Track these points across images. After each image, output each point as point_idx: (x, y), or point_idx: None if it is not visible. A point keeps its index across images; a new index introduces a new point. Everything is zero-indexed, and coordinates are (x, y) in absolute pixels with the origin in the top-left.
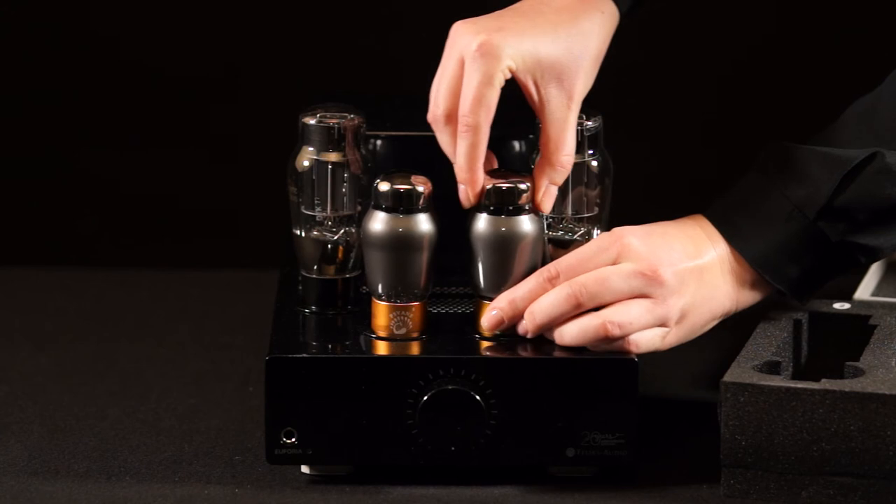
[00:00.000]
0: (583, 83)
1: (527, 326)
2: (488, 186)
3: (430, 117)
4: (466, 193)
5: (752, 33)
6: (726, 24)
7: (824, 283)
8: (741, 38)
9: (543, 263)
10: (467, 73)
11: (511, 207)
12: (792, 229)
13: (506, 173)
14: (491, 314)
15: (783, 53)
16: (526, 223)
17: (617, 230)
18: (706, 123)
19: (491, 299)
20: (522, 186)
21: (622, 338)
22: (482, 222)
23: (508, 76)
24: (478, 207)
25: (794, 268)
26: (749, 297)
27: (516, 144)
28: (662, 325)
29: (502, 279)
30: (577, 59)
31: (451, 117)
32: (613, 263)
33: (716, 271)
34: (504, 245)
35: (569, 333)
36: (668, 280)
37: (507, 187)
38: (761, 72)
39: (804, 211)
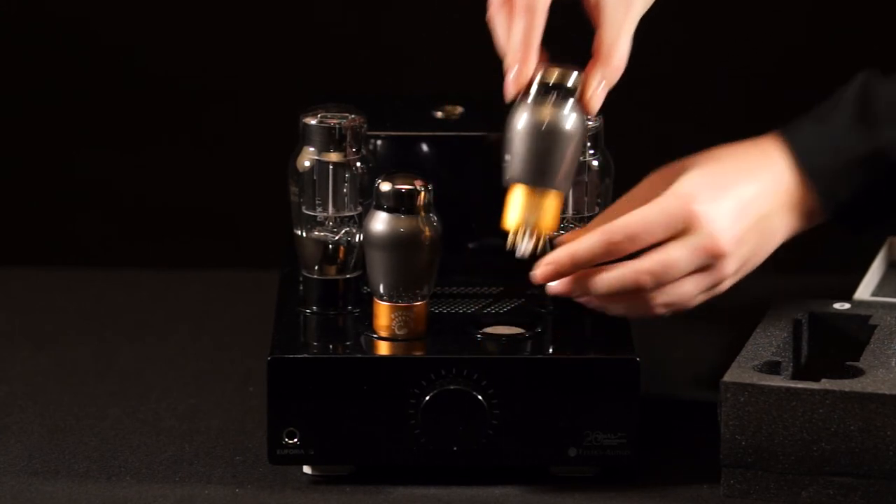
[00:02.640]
0: None
1: (583, 298)
2: (536, 73)
3: (489, 4)
4: (517, 75)
5: (753, 32)
6: (728, 21)
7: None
8: (745, 37)
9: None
10: None
11: (558, 94)
12: (871, 169)
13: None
14: (547, 266)
15: (784, 50)
16: (571, 115)
17: (685, 195)
18: (708, 123)
19: (529, 187)
20: (574, 74)
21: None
22: (527, 109)
23: None
24: (522, 96)
25: (861, 203)
26: (801, 227)
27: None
28: (714, 286)
29: (543, 168)
30: None
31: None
32: (678, 233)
33: (774, 216)
34: (548, 134)
35: (614, 309)
36: (732, 252)
37: (559, 72)
38: (764, 69)
39: (889, 155)
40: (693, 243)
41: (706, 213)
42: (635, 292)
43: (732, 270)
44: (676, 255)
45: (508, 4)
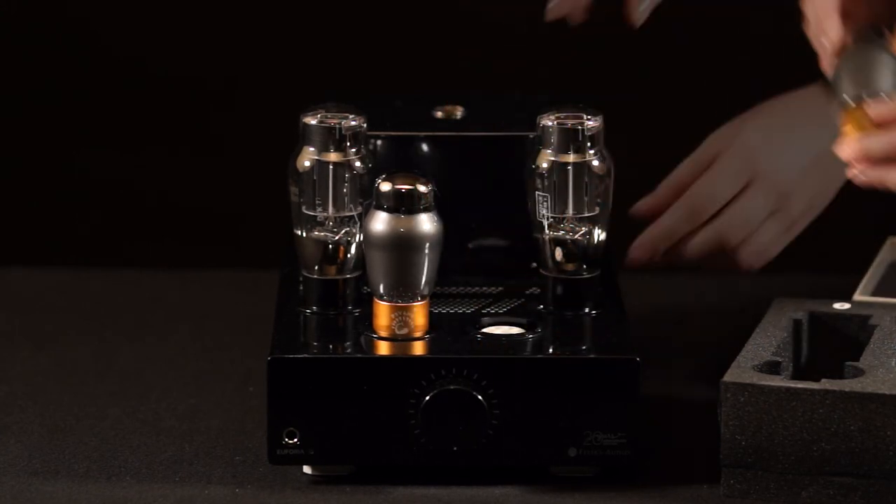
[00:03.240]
0: None
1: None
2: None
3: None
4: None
5: (755, 31)
6: (731, 21)
7: None
8: (747, 36)
9: None
10: None
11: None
12: None
13: None
14: (643, 251)
15: (789, 50)
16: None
17: (746, 151)
18: (709, 122)
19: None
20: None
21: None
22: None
23: None
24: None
25: None
26: None
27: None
28: (790, 228)
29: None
30: None
31: None
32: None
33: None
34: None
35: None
36: (800, 200)
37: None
38: (767, 68)
39: None
40: (762, 201)
41: (773, 169)
42: (716, 249)
43: (801, 209)
44: (747, 216)
45: None
